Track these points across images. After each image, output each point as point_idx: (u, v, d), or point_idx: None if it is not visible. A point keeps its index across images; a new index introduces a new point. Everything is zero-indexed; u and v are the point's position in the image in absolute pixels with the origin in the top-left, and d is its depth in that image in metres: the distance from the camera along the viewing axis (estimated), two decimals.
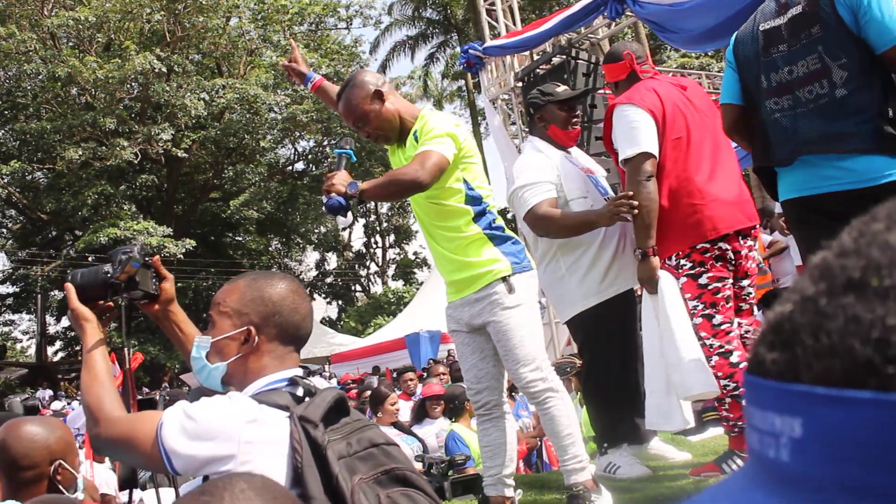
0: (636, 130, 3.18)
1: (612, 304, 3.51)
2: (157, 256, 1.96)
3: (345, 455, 1.41)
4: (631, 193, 3.10)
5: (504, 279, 2.80)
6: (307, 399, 1.48)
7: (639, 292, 3.44)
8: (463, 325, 2.95)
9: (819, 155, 2.60)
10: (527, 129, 5.91)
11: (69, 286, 1.82)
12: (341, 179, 2.59)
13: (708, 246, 3.15)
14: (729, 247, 3.18)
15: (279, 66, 24.19)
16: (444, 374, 8.21)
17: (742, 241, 3.23)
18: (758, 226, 3.45)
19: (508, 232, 2.96)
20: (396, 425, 5.44)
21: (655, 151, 3.17)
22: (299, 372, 1.58)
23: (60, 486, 1.98)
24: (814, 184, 2.62)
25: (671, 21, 6.07)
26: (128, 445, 1.48)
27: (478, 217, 2.86)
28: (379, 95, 2.86)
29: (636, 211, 3.08)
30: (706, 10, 5.46)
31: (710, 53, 22.29)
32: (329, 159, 27.01)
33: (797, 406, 0.35)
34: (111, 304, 1.87)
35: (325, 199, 2.60)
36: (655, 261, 3.14)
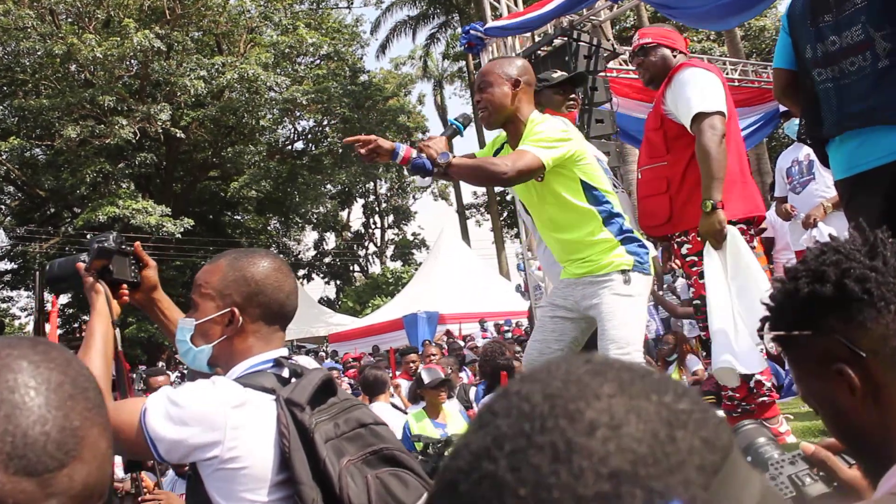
0: (713, 91, 3.21)
1: None
2: (139, 243, 1.88)
3: (332, 437, 1.40)
4: None
5: (623, 271, 2.79)
6: (293, 381, 1.46)
7: None
8: (569, 302, 2.93)
9: (862, 129, 2.51)
10: None
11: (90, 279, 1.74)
12: (437, 145, 2.67)
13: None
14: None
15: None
16: (434, 354, 8.23)
17: (746, 228, 3.28)
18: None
19: (638, 234, 2.94)
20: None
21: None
22: (284, 352, 1.56)
23: None
24: (859, 160, 2.54)
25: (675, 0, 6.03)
26: (112, 433, 1.47)
27: (608, 221, 2.83)
28: (515, 83, 2.83)
29: None
30: None
31: (712, 38, 22.19)
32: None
33: None
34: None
35: (414, 155, 2.68)
36: (721, 214, 3.11)
